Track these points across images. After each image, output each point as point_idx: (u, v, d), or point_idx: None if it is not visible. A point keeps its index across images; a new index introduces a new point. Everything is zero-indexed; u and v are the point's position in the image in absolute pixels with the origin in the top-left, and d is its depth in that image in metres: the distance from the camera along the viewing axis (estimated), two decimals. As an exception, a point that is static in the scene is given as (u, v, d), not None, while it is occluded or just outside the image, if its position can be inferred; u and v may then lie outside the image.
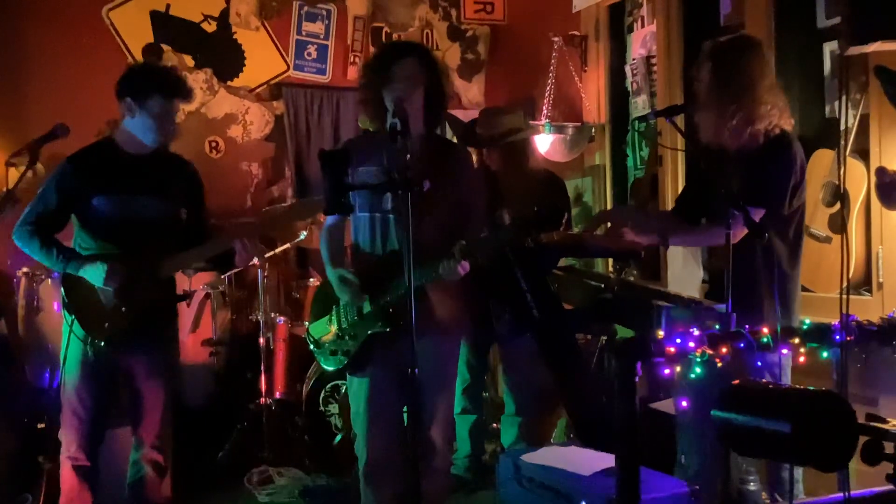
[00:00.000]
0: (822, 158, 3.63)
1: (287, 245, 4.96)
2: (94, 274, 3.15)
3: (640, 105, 5.15)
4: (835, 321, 2.36)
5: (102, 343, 3.19)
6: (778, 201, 2.91)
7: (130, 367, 3.30)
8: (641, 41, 5.12)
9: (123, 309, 3.19)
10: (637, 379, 2.19)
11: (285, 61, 5.93)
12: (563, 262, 4.29)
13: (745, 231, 2.71)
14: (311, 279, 5.12)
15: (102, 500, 3.37)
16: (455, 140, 4.81)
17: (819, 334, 2.37)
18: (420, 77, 2.97)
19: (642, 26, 5.13)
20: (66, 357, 3.22)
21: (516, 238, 2.77)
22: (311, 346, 3.26)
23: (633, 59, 5.19)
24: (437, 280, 2.86)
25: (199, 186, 3.49)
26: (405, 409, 2.97)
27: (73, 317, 3.19)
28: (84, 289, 3.19)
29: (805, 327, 2.40)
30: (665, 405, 3.40)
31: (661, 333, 2.31)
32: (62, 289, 3.25)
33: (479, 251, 2.82)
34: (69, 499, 3.27)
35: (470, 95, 6.30)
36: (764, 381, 2.45)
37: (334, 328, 3.13)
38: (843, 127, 2.85)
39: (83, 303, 3.20)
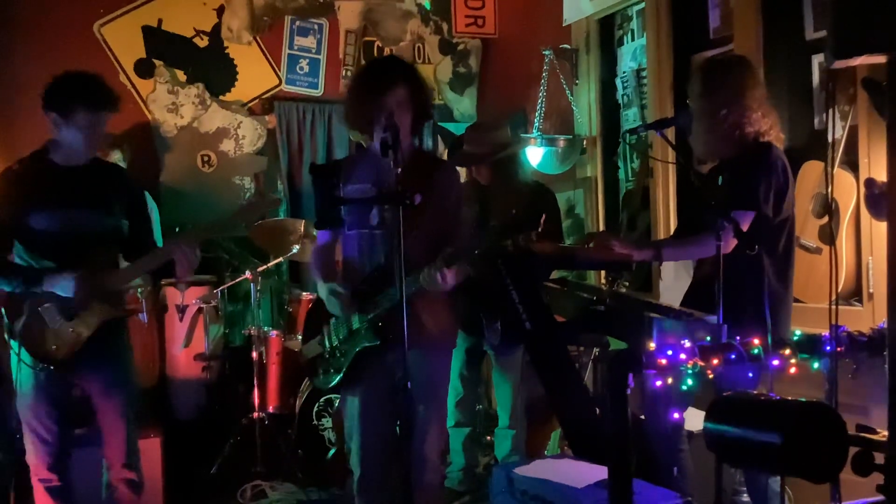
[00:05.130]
0: (812, 170, 3.65)
1: (280, 259, 4.96)
2: (62, 287, 3.06)
3: (630, 117, 5.18)
4: (825, 332, 2.37)
5: (52, 368, 3.11)
6: (759, 202, 2.93)
7: (86, 388, 3.23)
8: (632, 54, 5.15)
9: (70, 330, 3.11)
10: (629, 391, 2.20)
11: (277, 75, 5.94)
12: (555, 274, 4.30)
13: (736, 242, 2.73)
14: (304, 293, 5.12)
15: None
16: (447, 153, 4.83)
17: (810, 345, 2.39)
18: (408, 101, 2.98)
19: (632, 39, 5.16)
20: (18, 383, 3.13)
21: (494, 241, 2.77)
22: (305, 366, 3.26)
23: (624, 72, 5.22)
24: (420, 290, 2.86)
25: (140, 196, 3.42)
26: (398, 422, 2.97)
27: (20, 343, 3.10)
28: (27, 312, 3.10)
29: (796, 338, 2.41)
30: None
31: (652, 345, 2.31)
32: (4, 315, 3.14)
33: (461, 258, 2.83)
34: None
35: (462, 108, 6.32)
36: (755, 392, 2.45)
37: (326, 346, 3.13)
38: (830, 139, 2.87)
39: (28, 327, 3.10)
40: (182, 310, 4.93)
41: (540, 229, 2.68)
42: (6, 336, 3.16)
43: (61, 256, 3.11)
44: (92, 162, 3.25)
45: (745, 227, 2.84)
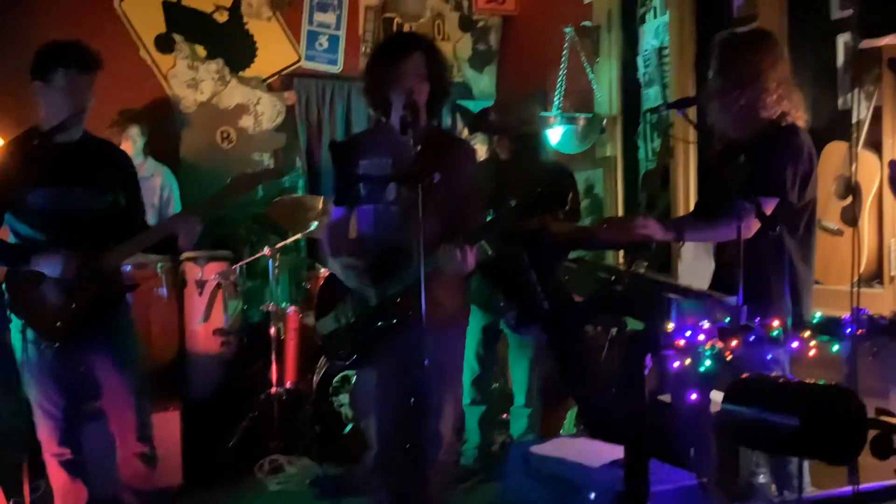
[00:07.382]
0: (835, 151, 3.61)
1: (298, 235, 4.98)
2: (49, 266, 3.04)
3: (651, 96, 5.14)
4: (846, 314, 2.35)
5: (56, 344, 3.10)
6: (785, 189, 2.90)
7: (91, 365, 3.22)
8: (654, 32, 5.10)
9: (73, 305, 3.09)
10: (647, 371, 2.19)
11: (297, 52, 5.93)
12: (573, 254, 4.29)
13: (759, 224, 2.71)
14: (322, 269, 5.14)
15: (97, 493, 3.30)
16: (466, 131, 4.81)
17: (830, 327, 2.36)
18: (426, 71, 2.96)
19: (655, 17, 5.11)
20: (24, 361, 3.14)
21: (522, 219, 2.76)
22: (320, 343, 3.27)
23: (646, 51, 5.17)
24: (438, 269, 2.85)
25: (133, 173, 3.38)
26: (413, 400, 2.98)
27: (23, 320, 3.10)
28: (28, 289, 3.08)
29: (816, 320, 2.39)
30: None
31: (671, 326, 2.30)
32: (6, 291, 3.14)
33: (486, 235, 2.81)
34: (63, 495, 3.22)
35: (481, 86, 6.29)
36: (773, 374, 2.44)
37: (342, 323, 3.13)
38: (854, 119, 2.83)
39: (29, 304, 3.10)
40: (201, 285, 4.96)
41: (567, 207, 2.67)
42: (8, 312, 3.15)
43: (55, 232, 3.09)
44: (84, 138, 3.23)
45: (768, 212, 2.81)
